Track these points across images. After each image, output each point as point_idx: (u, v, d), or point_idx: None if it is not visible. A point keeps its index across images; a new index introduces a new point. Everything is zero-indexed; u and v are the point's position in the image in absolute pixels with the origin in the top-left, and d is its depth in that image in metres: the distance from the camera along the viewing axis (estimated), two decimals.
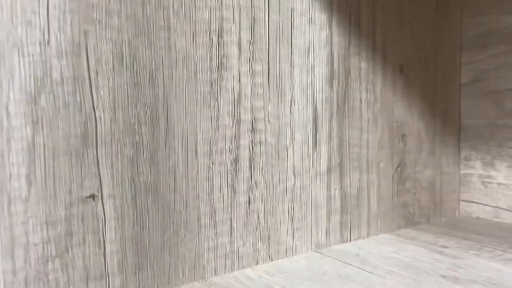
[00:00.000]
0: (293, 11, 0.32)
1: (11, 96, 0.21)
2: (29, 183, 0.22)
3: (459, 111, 0.47)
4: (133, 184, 0.26)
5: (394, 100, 0.40)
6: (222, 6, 0.29)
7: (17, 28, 0.21)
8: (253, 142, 0.31)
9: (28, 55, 0.22)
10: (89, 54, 0.24)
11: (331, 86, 0.35)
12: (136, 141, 0.26)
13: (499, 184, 0.45)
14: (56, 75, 0.23)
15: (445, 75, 0.45)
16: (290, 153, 0.33)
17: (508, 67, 0.43)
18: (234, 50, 0.29)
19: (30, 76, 0.22)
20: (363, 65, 0.37)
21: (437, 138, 0.45)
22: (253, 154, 0.31)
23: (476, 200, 0.46)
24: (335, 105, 0.36)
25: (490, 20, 0.44)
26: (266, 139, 0.32)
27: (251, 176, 0.31)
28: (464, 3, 0.46)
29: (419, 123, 0.43)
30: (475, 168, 0.47)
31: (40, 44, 0.22)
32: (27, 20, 0.22)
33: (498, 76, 0.44)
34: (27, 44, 0.22)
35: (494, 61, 0.44)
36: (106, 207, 0.25)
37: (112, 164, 0.25)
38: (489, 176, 0.45)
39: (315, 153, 0.35)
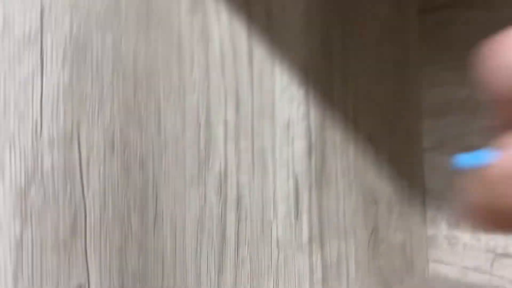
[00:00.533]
0: (274, 90, 0.34)
1: (1, 191, 0.21)
2: (16, 281, 0.21)
3: (423, 175, 0.50)
4: (121, 273, 0.25)
5: (366, 168, 0.42)
6: (209, 89, 0.29)
7: (9, 122, 0.21)
8: (239, 219, 0.31)
9: (20, 148, 0.21)
10: (81, 144, 0.23)
11: (310, 158, 0.37)
12: (125, 228, 0.25)
13: (464, 244, 0.47)
14: (47, 166, 0.22)
15: (409, 141, 0.48)
16: (274, 226, 0.33)
17: (466, 134, 0.46)
18: (220, 130, 0.30)
19: (20, 169, 0.21)
20: (338, 136, 0.39)
21: (405, 201, 0.47)
22: (239, 230, 0.31)
23: (444, 260, 0.48)
24: (313, 176, 0.37)
25: (447, 91, 0.48)
26: (251, 214, 0.32)
27: (237, 253, 0.31)
28: (423, 75, 0.50)
29: (389, 187, 0.45)
30: (441, 229, 0.49)
31: (32, 136, 0.22)
32: (19, 112, 0.21)
33: (458, 142, 0.47)
34: (19, 137, 0.21)
35: (453, 129, 0.48)
36: None
37: (100, 254, 0.24)
38: (455, 237, 0.47)
39: (297, 224, 0.35)
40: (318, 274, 0.36)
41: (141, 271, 0.26)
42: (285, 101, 0.35)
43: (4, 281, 0.21)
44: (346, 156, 0.40)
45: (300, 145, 0.36)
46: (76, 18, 0.23)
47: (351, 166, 0.40)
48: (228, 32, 0.31)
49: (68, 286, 0.23)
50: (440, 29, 0.49)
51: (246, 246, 0.31)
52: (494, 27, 0.42)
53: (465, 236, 0.46)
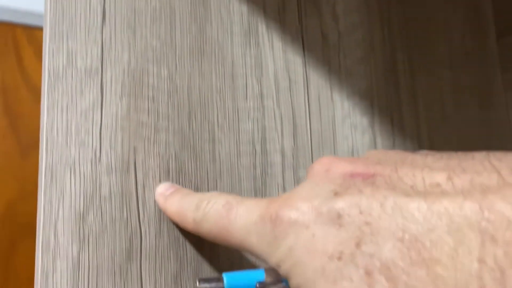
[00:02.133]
0: (334, 117, 0.33)
1: (60, 214, 0.22)
2: None
3: None
4: None
5: None
6: (264, 117, 0.29)
7: (70, 149, 0.22)
8: None
9: (80, 173, 0.23)
10: (137, 170, 0.24)
11: None
12: (180, 255, 0.25)
13: None
14: (105, 191, 0.23)
15: None
16: None
17: None
18: (277, 158, 0.29)
19: (80, 194, 0.22)
20: None
21: None
22: None
23: None
24: None
25: None
26: None
27: None
28: (508, 101, 0.45)
29: None
30: None
31: (91, 162, 0.23)
32: (80, 140, 0.23)
33: None
34: (79, 164, 0.23)
35: None
36: None
37: (155, 281, 0.24)
38: None
39: None
40: None
41: None
42: (347, 130, 0.33)
43: None
44: None
45: None
46: (134, 53, 0.25)
47: None
48: (282, 60, 0.31)
49: None
50: None
51: None
52: None
53: None
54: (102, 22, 0.24)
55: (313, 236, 0.15)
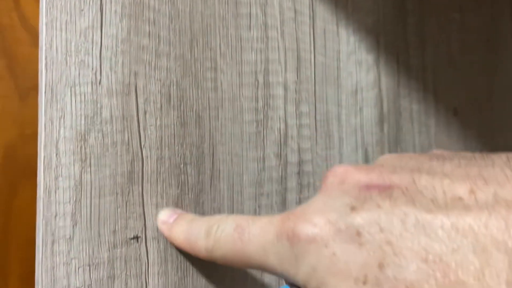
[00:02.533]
0: (339, 52, 0.32)
1: (62, 134, 0.22)
2: (74, 222, 0.22)
3: None
4: None
5: (450, 144, 0.38)
6: (268, 48, 0.29)
7: (70, 69, 0.22)
8: (300, 185, 0.29)
9: (80, 94, 0.22)
10: (138, 94, 0.24)
11: (382, 128, 0.34)
12: (181, 181, 0.25)
13: None
14: (105, 114, 0.23)
15: (503, 119, 0.43)
16: None
17: None
18: (280, 91, 0.29)
19: (81, 114, 0.22)
20: (415, 106, 0.36)
21: None
22: (301, 198, 0.29)
23: None
24: (386, 148, 0.34)
25: None
26: (314, 182, 0.30)
27: None
28: None
29: None
30: None
31: (92, 84, 0.23)
32: (80, 60, 0.22)
33: None
34: (79, 84, 0.22)
35: None
36: (150, 250, 0.24)
37: (157, 204, 0.24)
38: None
39: None
40: None
41: None
42: (352, 66, 0.33)
43: (63, 221, 0.22)
44: (425, 130, 0.36)
45: (370, 113, 0.33)
46: None
47: (432, 141, 0.37)
48: None
49: (125, 235, 0.23)
50: None
51: None
52: None
53: None
54: None
55: (334, 255, 0.14)
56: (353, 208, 0.15)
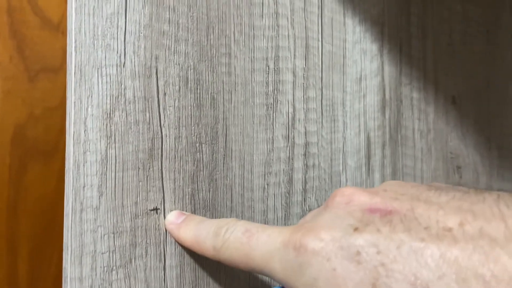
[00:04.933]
0: (345, 41, 0.34)
1: (89, 112, 0.24)
2: (100, 193, 0.24)
3: None
4: (192, 199, 0.27)
5: (448, 131, 0.40)
6: (278, 36, 0.30)
7: (97, 52, 0.24)
8: (306, 166, 0.31)
9: (106, 75, 0.24)
10: (158, 77, 0.26)
11: (383, 114, 0.36)
12: (196, 158, 0.27)
13: None
14: (129, 94, 0.25)
15: (500, 108, 0.44)
16: (343, 179, 0.33)
17: None
18: (289, 77, 0.31)
19: (106, 94, 0.24)
20: (415, 94, 0.38)
21: (494, 172, 0.43)
22: (307, 177, 0.31)
23: None
24: (387, 133, 0.36)
25: None
26: (319, 163, 0.32)
27: (304, 199, 0.31)
28: None
29: (475, 155, 0.42)
30: None
31: (116, 66, 0.24)
32: (106, 44, 0.24)
33: None
34: (105, 66, 0.24)
35: None
36: None
37: (174, 179, 0.26)
38: None
39: (368, 180, 0.34)
40: None
41: (211, 201, 0.27)
42: (357, 55, 0.34)
43: (90, 191, 0.24)
44: (425, 117, 0.38)
45: (372, 100, 0.35)
46: None
47: (431, 127, 0.38)
48: None
49: (146, 207, 0.25)
50: None
51: (314, 193, 0.32)
52: None
53: None
54: None
55: (334, 270, 0.16)
56: (356, 229, 0.17)
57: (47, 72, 0.86)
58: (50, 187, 0.83)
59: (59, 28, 0.90)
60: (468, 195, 0.17)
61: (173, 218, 0.25)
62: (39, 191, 0.95)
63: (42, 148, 0.84)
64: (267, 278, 0.29)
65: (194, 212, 0.27)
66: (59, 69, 0.88)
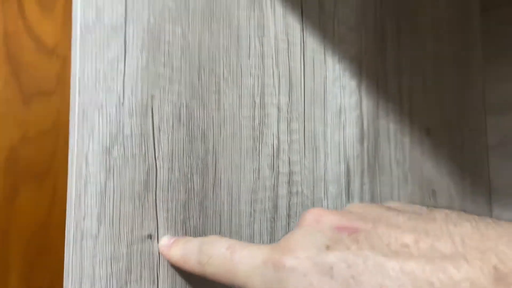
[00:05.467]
0: (326, 78, 0.37)
1: (90, 147, 0.26)
2: (99, 222, 0.26)
3: (488, 172, 0.49)
4: (184, 226, 0.29)
5: (423, 160, 0.43)
6: (264, 74, 0.33)
7: (99, 93, 0.26)
8: (290, 193, 0.34)
9: (106, 114, 0.26)
10: (154, 114, 0.28)
11: (362, 144, 0.39)
12: (188, 188, 0.29)
13: None
14: (127, 131, 0.27)
15: (472, 137, 0.47)
16: (325, 204, 0.36)
17: None
18: (274, 111, 0.34)
19: (106, 132, 0.26)
20: (392, 126, 0.41)
21: (467, 197, 0.46)
22: (290, 204, 0.34)
23: None
24: (366, 162, 0.39)
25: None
26: (302, 190, 0.34)
27: (288, 223, 0.33)
28: (486, 71, 0.49)
29: (449, 182, 0.45)
30: None
31: (116, 106, 0.27)
32: (107, 86, 0.27)
33: None
34: (106, 106, 0.26)
35: None
36: None
37: (167, 208, 0.28)
38: None
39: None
40: None
41: (201, 227, 0.29)
42: (337, 90, 0.37)
43: (90, 221, 0.26)
44: (401, 147, 0.41)
45: (352, 131, 0.38)
46: (153, 12, 0.28)
47: (407, 156, 0.41)
48: (282, 24, 0.34)
49: (141, 234, 0.27)
50: (503, 27, 0.48)
51: (297, 218, 0.34)
52: None
53: None
54: None
55: (311, 284, 0.19)
56: (328, 247, 0.19)
57: (41, 95, 0.89)
58: (42, 209, 0.84)
59: (54, 52, 0.93)
60: (421, 215, 0.20)
61: (165, 242, 0.27)
62: (31, 213, 0.96)
63: (35, 170, 0.85)
64: None
65: None
66: (53, 92, 0.90)
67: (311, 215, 0.21)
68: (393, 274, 0.17)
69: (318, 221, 0.21)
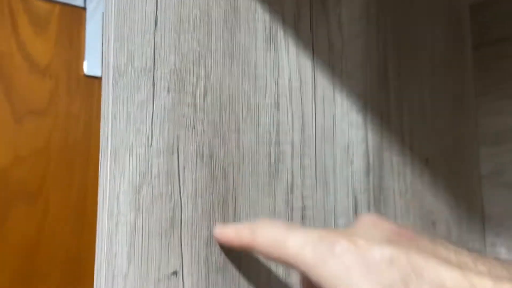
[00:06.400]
0: (335, 114, 0.38)
1: (122, 187, 0.27)
2: (129, 261, 0.27)
3: (481, 201, 0.51)
4: (207, 262, 0.30)
5: (423, 190, 0.45)
6: (279, 113, 0.35)
7: (129, 135, 0.27)
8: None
9: (136, 155, 0.27)
10: (179, 153, 0.29)
11: (368, 176, 0.40)
12: (210, 225, 0.30)
13: None
14: (155, 170, 0.28)
15: (466, 167, 0.50)
16: None
17: None
18: (288, 148, 0.35)
19: (136, 171, 0.27)
20: (394, 158, 0.43)
21: (463, 225, 0.48)
22: None
23: None
24: (372, 195, 0.40)
25: (504, 119, 0.50)
26: (314, 224, 0.36)
27: None
28: (479, 105, 0.52)
29: (447, 211, 0.47)
30: (500, 254, 0.49)
31: (145, 146, 0.28)
32: (137, 128, 0.28)
33: None
34: (135, 147, 0.27)
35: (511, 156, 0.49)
36: (186, 282, 0.29)
37: (191, 245, 0.29)
38: None
39: None
40: None
41: (223, 262, 0.30)
42: (345, 126, 0.39)
43: (121, 260, 0.26)
44: (403, 178, 0.43)
45: (358, 165, 0.39)
46: (179, 54, 0.30)
47: (408, 187, 0.43)
48: (295, 64, 0.36)
49: (167, 271, 0.28)
50: (495, 62, 0.51)
51: None
52: None
53: None
54: (155, 27, 0.29)
55: (368, 266, 0.19)
56: (390, 241, 0.20)
57: (33, 114, 0.88)
58: (33, 229, 0.83)
59: (46, 72, 0.93)
60: (442, 242, 0.21)
61: (218, 229, 0.29)
62: (22, 232, 0.94)
63: (27, 189, 0.84)
64: None
65: (207, 274, 0.30)
66: (44, 111, 0.90)
67: (369, 218, 0.22)
68: (447, 279, 0.18)
69: (376, 224, 0.22)
